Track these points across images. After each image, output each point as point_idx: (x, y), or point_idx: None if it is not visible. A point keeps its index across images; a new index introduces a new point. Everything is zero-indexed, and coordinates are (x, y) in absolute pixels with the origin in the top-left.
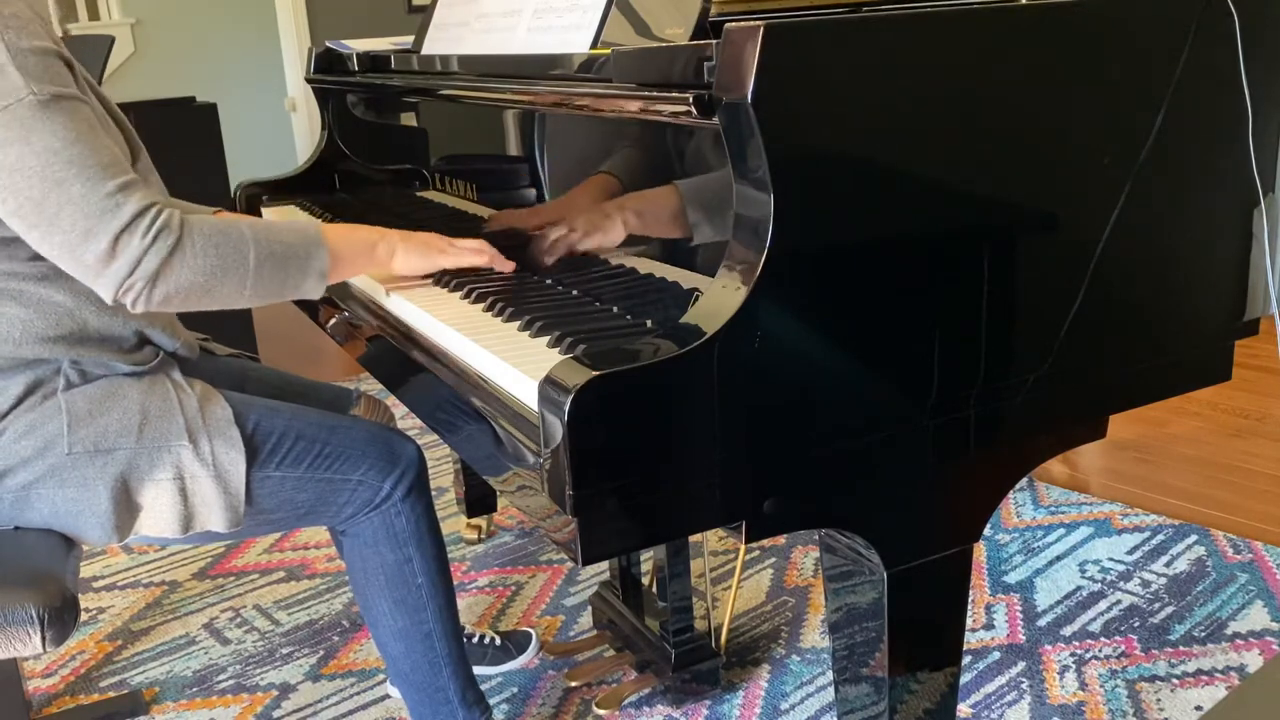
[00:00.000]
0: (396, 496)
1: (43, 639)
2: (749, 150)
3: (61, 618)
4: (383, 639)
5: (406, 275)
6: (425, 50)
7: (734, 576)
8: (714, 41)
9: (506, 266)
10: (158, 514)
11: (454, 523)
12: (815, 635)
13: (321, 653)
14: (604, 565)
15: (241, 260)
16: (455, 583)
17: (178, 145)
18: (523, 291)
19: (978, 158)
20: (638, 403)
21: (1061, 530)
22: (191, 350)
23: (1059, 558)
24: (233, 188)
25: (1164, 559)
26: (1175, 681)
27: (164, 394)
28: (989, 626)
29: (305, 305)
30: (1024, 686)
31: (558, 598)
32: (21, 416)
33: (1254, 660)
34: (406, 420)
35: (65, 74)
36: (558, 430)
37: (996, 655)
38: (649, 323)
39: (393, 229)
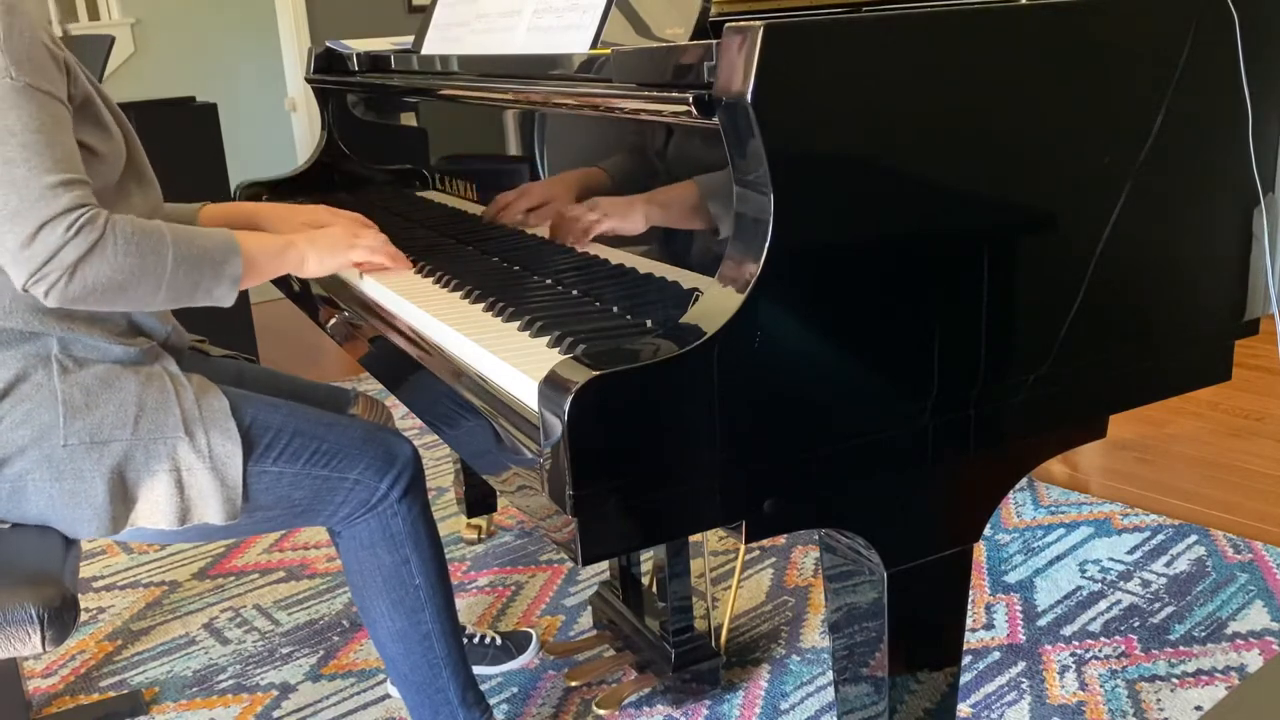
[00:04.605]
0: (393, 497)
1: (42, 639)
2: (749, 150)
3: (61, 617)
4: (381, 640)
5: (321, 275)
6: (425, 50)
7: (734, 576)
8: (714, 41)
9: (403, 264)
10: (154, 506)
11: (454, 523)
12: (815, 635)
13: (321, 653)
14: (604, 565)
15: (159, 261)
16: (455, 583)
17: (178, 145)
18: (523, 291)
19: (978, 157)
20: (638, 403)
21: (1061, 530)
22: (181, 338)
23: (1059, 558)
24: (233, 188)
25: (1164, 559)
26: (1175, 681)
27: (161, 386)
28: (989, 626)
29: (306, 305)
30: (1024, 686)
31: (558, 598)
32: (18, 406)
33: (1254, 660)
34: (406, 421)
35: (53, 72)
36: (558, 430)
37: (996, 655)
38: (649, 323)
39: (300, 231)
